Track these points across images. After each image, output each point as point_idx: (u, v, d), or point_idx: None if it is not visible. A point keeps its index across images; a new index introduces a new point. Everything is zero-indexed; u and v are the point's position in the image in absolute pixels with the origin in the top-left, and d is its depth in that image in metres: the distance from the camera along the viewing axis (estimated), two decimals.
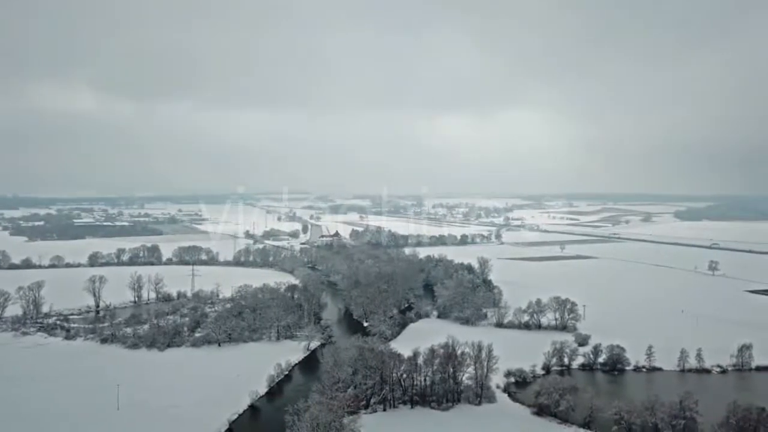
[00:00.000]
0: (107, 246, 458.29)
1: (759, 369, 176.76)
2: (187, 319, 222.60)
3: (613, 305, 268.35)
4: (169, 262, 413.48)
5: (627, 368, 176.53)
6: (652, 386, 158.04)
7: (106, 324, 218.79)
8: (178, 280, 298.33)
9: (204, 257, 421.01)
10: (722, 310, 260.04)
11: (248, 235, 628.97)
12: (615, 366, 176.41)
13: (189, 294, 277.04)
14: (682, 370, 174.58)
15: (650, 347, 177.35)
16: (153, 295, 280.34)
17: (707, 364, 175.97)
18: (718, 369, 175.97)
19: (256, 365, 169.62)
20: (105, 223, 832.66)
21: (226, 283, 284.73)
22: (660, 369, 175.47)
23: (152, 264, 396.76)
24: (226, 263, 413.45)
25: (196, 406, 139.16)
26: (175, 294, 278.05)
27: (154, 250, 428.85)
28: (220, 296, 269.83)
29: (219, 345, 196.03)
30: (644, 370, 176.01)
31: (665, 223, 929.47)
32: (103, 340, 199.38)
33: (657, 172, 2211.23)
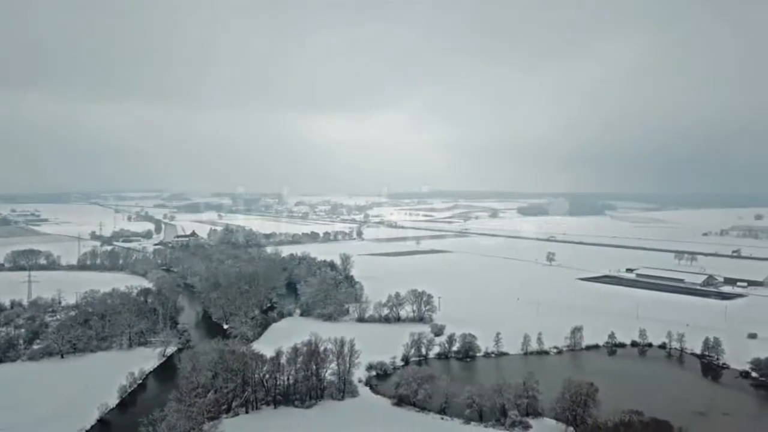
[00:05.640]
0: None
1: (588, 348, 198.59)
2: (23, 330, 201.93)
3: (465, 296, 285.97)
4: (1, 268, 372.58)
5: (478, 355, 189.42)
6: (500, 370, 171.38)
7: None
8: (11, 288, 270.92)
9: (43, 262, 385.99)
10: (558, 297, 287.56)
11: (95, 236, 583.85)
12: (467, 353, 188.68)
13: (25, 302, 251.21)
14: (526, 353, 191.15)
15: (498, 334, 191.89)
16: None
17: (546, 347, 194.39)
18: (555, 350, 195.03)
19: (105, 376, 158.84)
20: None
21: (70, 289, 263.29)
22: (507, 354, 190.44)
23: None
24: (70, 267, 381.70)
25: (36, 425, 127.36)
26: (8, 303, 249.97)
27: None
28: (63, 303, 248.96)
29: (62, 356, 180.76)
30: (493, 355, 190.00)
31: (510, 218, 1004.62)
32: None
33: (504, 171, 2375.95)
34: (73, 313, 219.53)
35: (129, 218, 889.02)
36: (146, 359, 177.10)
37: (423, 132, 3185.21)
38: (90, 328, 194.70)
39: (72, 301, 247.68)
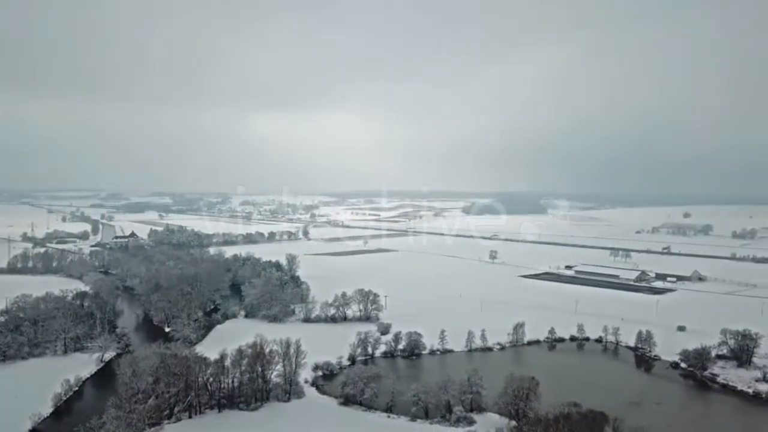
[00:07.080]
0: None
1: (530, 343, 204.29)
2: None
3: (411, 294, 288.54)
4: None
5: (424, 352, 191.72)
6: (445, 367, 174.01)
7: None
8: None
9: None
10: (501, 294, 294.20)
11: (26, 237, 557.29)
12: (413, 351, 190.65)
13: None
14: (470, 350, 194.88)
15: (443, 331, 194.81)
16: None
17: (490, 343, 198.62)
18: (498, 346, 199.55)
19: (38, 384, 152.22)
20: None
21: None
22: (452, 351, 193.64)
23: None
24: None
25: None
26: None
27: None
28: None
29: None
30: (438, 352, 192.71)
31: (454, 217, 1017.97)
32: None
33: (449, 171, 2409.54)
34: (2, 319, 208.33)
35: (63, 218, 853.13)
36: (83, 365, 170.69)
37: (371, 131, 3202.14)
38: (21, 335, 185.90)
39: (1, 306, 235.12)
